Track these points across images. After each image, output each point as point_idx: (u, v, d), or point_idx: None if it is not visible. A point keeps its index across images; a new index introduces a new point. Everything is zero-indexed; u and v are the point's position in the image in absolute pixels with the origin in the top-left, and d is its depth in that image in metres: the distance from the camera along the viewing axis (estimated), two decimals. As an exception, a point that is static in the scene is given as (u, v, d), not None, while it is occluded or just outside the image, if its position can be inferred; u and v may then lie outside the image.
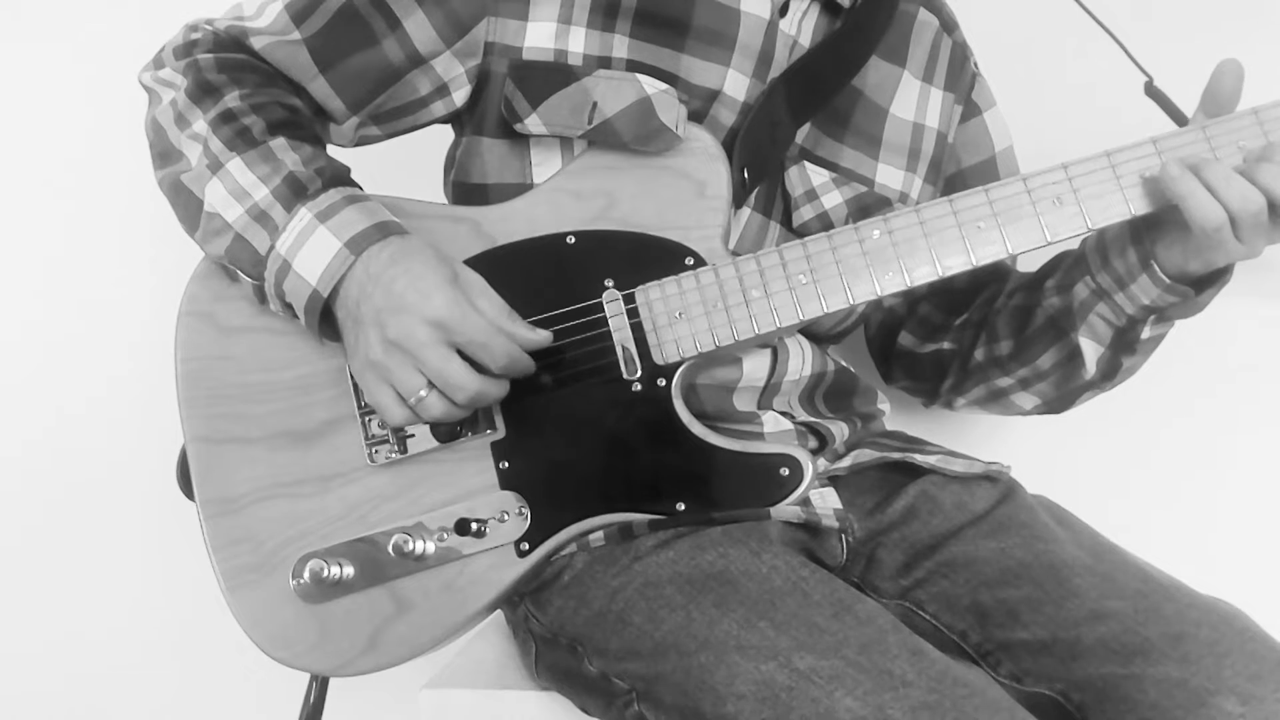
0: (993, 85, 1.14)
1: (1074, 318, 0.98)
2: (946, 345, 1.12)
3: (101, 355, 1.55)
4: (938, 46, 1.08)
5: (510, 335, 0.85)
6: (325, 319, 0.88)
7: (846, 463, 1.00)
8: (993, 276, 1.11)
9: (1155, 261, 0.90)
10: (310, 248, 0.86)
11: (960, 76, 1.10)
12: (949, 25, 1.10)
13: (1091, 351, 0.99)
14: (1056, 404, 1.08)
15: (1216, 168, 0.82)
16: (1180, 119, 0.92)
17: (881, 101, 1.03)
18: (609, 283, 0.92)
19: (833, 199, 0.99)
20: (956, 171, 1.11)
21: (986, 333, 1.07)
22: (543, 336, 0.88)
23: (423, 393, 0.84)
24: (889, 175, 1.03)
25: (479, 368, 0.85)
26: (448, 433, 0.91)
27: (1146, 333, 0.96)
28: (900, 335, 1.16)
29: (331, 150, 0.96)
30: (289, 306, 0.89)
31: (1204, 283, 0.91)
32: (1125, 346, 0.97)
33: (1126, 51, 0.93)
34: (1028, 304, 1.03)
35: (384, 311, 0.83)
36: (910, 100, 1.05)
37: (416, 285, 0.83)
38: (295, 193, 0.87)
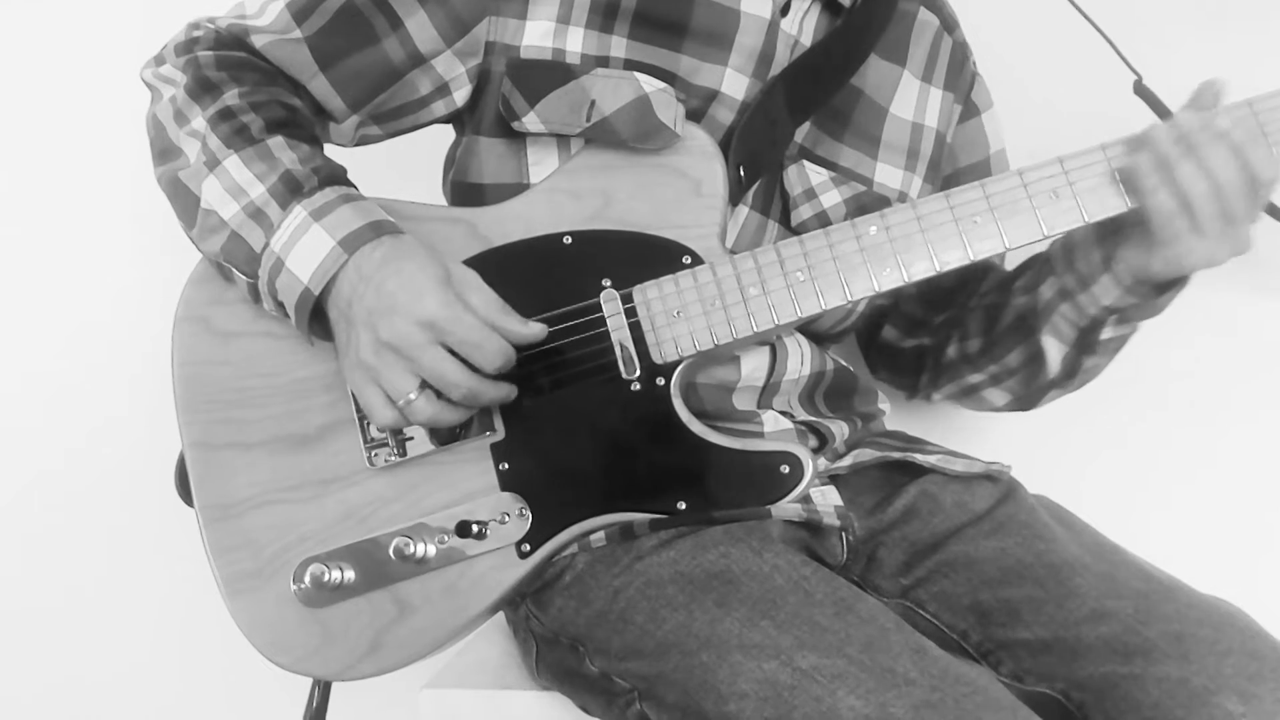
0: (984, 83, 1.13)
1: (1039, 317, 0.99)
2: (927, 341, 1.13)
3: (98, 361, 1.54)
4: (938, 46, 1.08)
5: (503, 331, 0.85)
6: (316, 318, 0.88)
7: (847, 462, 1.00)
8: (977, 273, 1.11)
9: (1118, 262, 0.90)
10: (304, 245, 0.85)
11: (960, 76, 1.10)
12: (949, 24, 1.10)
13: (1055, 351, 1.00)
14: (1025, 401, 1.09)
15: (1171, 148, 0.81)
16: (1168, 117, 0.92)
17: (881, 101, 1.03)
18: (606, 282, 0.92)
19: (831, 198, 0.99)
20: (953, 172, 1.11)
21: (959, 330, 1.08)
22: (536, 330, 0.87)
23: (411, 395, 0.84)
24: (888, 175, 1.03)
25: (473, 369, 0.85)
26: (446, 435, 0.91)
27: (1107, 333, 0.96)
28: (884, 329, 1.17)
29: (329, 150, 0.96)
30: (281, 305, 0.89)
31: (1165, 285, 0.91)
32: (1087, 346, 0.98)
33: (1116, 50, 0.94)
34: (997, 303, 1.04)
35: (375, 313, 0.83)
36: (910, 100, 1.05)
37: (408, 286, 0.83)
38: (291, 190, 0.87)
